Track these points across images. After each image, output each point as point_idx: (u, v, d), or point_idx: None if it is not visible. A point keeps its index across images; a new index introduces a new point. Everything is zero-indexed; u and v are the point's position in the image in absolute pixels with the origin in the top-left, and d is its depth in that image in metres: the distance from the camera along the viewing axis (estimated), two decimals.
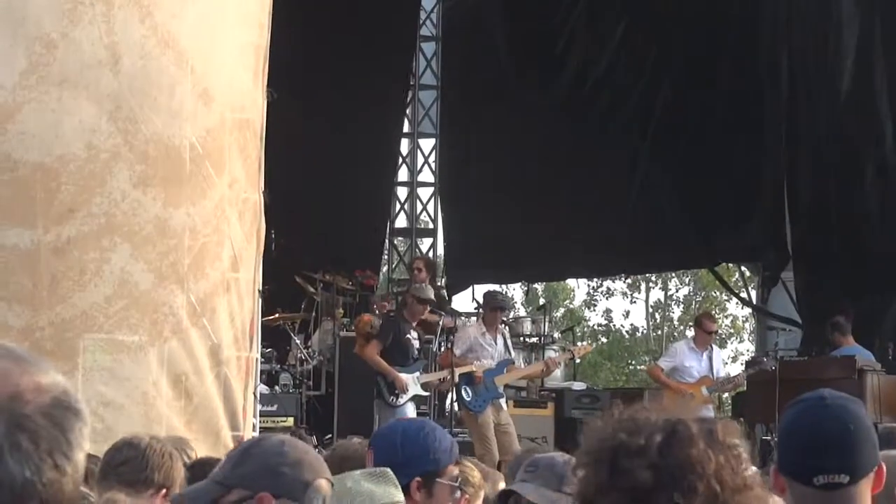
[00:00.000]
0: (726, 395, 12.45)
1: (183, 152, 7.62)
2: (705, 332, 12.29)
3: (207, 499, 2.63)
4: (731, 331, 35.16)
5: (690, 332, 14.76)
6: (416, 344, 11.40)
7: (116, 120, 7.47)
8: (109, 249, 7.44)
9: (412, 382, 11.24)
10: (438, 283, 13.31)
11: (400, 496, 3.21)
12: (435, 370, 11.82)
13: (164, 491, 3.61)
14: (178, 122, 7.60)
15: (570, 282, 35.50)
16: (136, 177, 7.51)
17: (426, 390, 11.48)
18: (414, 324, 11.45)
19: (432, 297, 11.70)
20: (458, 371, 11.14)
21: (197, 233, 7.69)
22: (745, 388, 12.51)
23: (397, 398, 11.19)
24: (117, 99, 7.46)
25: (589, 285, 36.33)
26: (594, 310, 37.52)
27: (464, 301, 13.77)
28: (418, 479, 3.50)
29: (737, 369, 14.17)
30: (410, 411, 11.24)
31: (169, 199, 7.56)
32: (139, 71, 7.51)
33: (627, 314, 36.76)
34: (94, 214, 7.42)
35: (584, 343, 19.58)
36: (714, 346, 12.39)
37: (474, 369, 11.21)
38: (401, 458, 3.48)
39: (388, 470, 3.25)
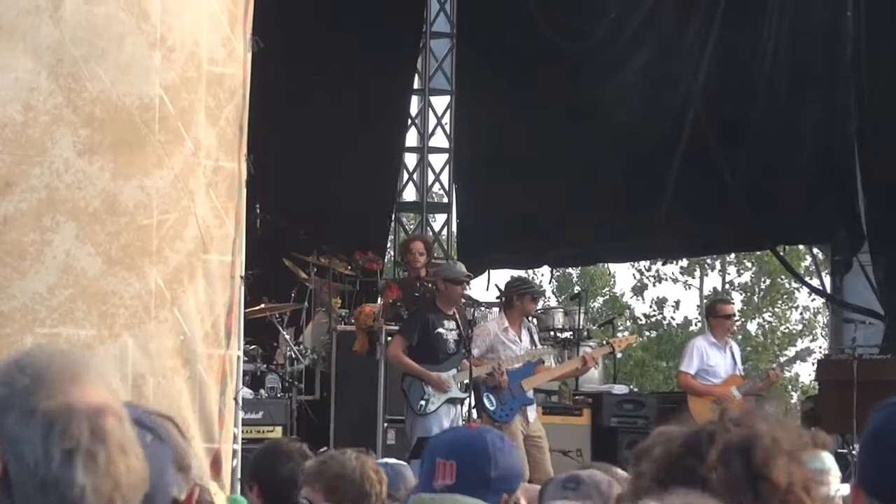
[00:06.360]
0: (794, 400, 12.36)
1: (135, 114, 7.56)
2: (724, 318, 12.18)
3: None
4: (804, 326, 34.99)
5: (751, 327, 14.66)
6: (454, 336, 11.24)
7: (58, 76, 7.42)
8: (52, 230, 7.40)
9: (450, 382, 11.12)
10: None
11: None
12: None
13: None
14: (129, 79, 7.55)
15: (611, 266, 35.39)
16: (80, 143, 7.46)
17: (465, 391, 11.29)
18: (450, 312, 11.27)
19: (465, 272, 11.56)
20: (481, 371, 10.97)
21: (152, 209, 7.63)
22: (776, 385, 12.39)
23: (426, 404, 11.10)
24: (58, 51, 7.43)
25: (635, 267, 36.17)
26: (641, 298, 37.33)
27: (478, 291, 13.62)
28: (505, 495, 3.59)
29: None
30: (445, 418, 11.11)
31: (119, 170, 7.52)
32: (84, 18, 7.47)
33: (678, 304, 36.46)
34: (34, 188, 7.37)
35: (626, 334, 19.55)
36: (730, 339, 12.32)
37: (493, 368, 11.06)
38: (494, 471, 3.58)
39: None
